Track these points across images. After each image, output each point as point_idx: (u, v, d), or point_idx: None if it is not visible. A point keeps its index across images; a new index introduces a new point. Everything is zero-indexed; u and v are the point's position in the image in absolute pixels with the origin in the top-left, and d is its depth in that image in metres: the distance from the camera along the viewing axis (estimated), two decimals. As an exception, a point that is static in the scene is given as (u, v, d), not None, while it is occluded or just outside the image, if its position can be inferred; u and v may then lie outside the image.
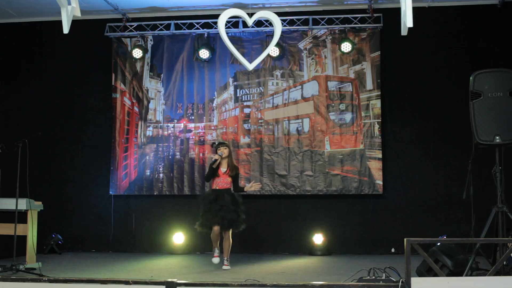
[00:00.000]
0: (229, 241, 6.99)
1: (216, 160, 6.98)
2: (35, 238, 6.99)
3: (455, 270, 5.43)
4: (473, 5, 8.96)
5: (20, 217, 6.79)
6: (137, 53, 9.31)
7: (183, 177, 9.22)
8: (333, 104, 9.00)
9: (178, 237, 8.93)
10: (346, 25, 8.97)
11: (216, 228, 6.96)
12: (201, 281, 5.17)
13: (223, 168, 7.05)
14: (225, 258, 6.99)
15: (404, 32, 5.77)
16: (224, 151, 7.03)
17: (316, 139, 8.97)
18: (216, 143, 7.26)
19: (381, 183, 8.77)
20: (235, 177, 7.12)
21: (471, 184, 5.74)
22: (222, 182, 7.05)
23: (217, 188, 7.05)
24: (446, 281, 4.69)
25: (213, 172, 7.03)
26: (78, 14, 6.35)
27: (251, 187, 7.19)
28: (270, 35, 8.93)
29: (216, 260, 6.92)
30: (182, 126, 9.37)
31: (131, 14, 9.52)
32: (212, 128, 9.31)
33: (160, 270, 6.88)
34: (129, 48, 9.45)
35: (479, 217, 5.86)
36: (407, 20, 5.49)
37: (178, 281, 4.75)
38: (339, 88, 9.03)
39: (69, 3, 6.31)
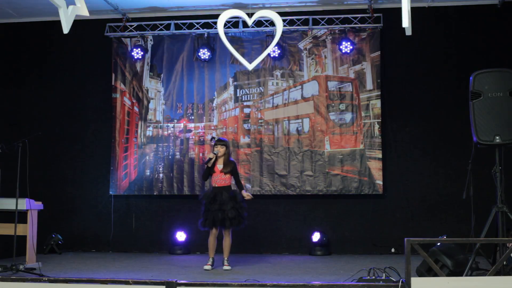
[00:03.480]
0: (229, 240, 7.00)
1: (210, 159, 7.01)
2: (35, 238, 6.99)
3: (455, 270, 5.43)
4: (473, 5, 8.95)
5: (20, 217, 6.79)
6: (137, 53, 9.32)
7: (183, 177, 9.22)
8: (333, 104, 9.00)
9: (178, 237, 8.93)
10: (346, 25, 8.97)
11: (214, 231, 6.97)
12: (201, 281, 5.18)
13: (219, 165, 7.09)
14: (225, 259, 7.00)
15: (408, 32, 5.77)
16: (220, 149, 7.05)
17: (316, 139, 8.97)
18: (216, 138, 7.29)
19: (381, 183, 8.77)
20: (233, 173, 7.13)
21: (471, 184, 5.74)
22: (220, 179, 7.06)
23: (216, 185, 7.07)
24: (446, 281, 4.70)
25: (209, 171, 7.06)
26: (85, 13, 6.29)
27: (246, 196, 7.15)
28: (270, 35, 8.95)
29: (207, 267, 6.92)
30: (182, 126, 9.37)
31: (131, 14, 9.52)
32: (212, 128, 9.31)
33: (160, 270, 6.88)
34: (129, 48, 9.45)
35: (479, 217, 5.87)
36: (403, 21, 5.49)
37: (178, 281, 4.76)
38: (339, 88, 9.03)
39: (72, 3, 6.29)
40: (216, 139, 7.26)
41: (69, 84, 9.70)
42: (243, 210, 7.05)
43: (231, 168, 7.09)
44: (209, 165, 7.02)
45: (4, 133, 9.15)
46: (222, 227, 6.97)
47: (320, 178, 8.91)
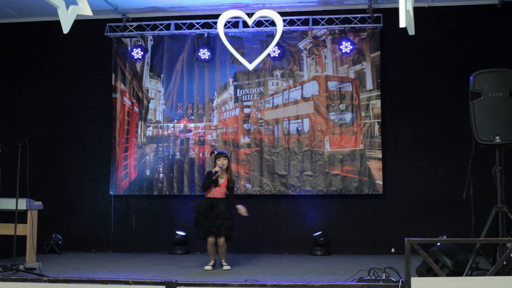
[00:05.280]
0: (225, 246, 7.00)
1: (216, 172, 6.95)
2: (35, 238, 6.99)
3: (455, 270, 5.43)
4: (473, 5, 8.95)
5: (20, 217, 6.79)
6: (137, 53, 9.32)
7: (183, 177, 9.22)
8: (333, 104, 9.00)
9: (178, 237, 8.92)
10: (346, 25, 8.97)
11: (211, 240, 6.97)
12: (201, 281, 5.18)
13: (221, 179, 7.05)
14: (223, 260, 7.01)
15: (411, 32, 5.76)
16: (224, 162, 7.01)
17: (316, 139, 8.97)
18: (216, 153, 7.16)
19: (381, 183, 8.77)
20: (230, 190, 7.14)
21: (471, 184, 5.74)
22: (218, 192, 7.04)
23: (212, 196, 7.03)
24: (446, 281, 4.70)
25: (212, 183, 7.01)
26: (88, 13, 6.25)
27: (240, 210, 7.05)
28: (270, 35, 8.95)
29: (208, 268, 6.93)
30: (182, 126, 9.37)
31: (131, 14, 9.52)
32: (212, 128, 9.31)
33: (160, 270, 6.89)
34: (129, 48, 9.45)
35: (479, 217, 5.87)
36: (400, 21, 5.48)
37: (178, 281, 4.76)
38: (339, 88, 9.03)
39: (74, 3, 6.27)
40: (216, 153, 7.16)
41: (69, 84, 9.70)
42: (233, 223, 7.07)
43: (233, 185, 7.13)
44: (214, 178, 6.97)
45: (4, 133, 9.15)
46: (217, 235, 6.92)
47: (320, 178, 8.91)
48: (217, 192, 7.04)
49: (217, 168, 6.98)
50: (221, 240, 6.94)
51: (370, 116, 8.89)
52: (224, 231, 6.91)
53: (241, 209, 7.02)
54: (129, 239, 9.27)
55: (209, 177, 7.02)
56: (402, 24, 5.45)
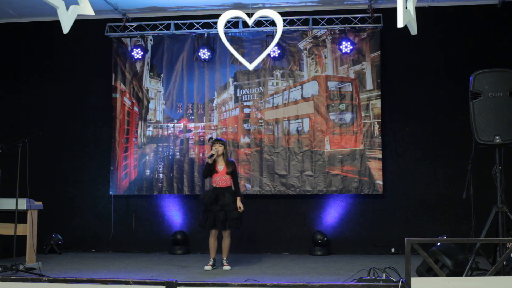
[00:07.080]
0: (228, 240, 7.01)
1: (212, 155, 7.00)
2: (35, 238, 7.00)
3: (455, 270, 5.44)
4: (473, 5, 8.96)
5: (20, 217, 6.80)
6: (137, 53, 9.32)
7: (183, 177, 9.22)
8: (333, 104, 9.00)
9: (178, 237, 8.92)
10: (346, 25, 8.97)
11: (214, 232, 6.98)
12: (201, 281, 5.18)
13: (220, 166, 7.08)
14: (224, 258, 7.01)
15: (413, 31, 5.75)
16: (219, 148, 7.05)
17: (316, 139, 8.97)
18: (214, 139, 7.29)
19: (381, 183, 8.77)
20: (233, 174, 7.12)
21: (471, 184, 5.75)
22: (221, 180, 7.05)
23: (217, 186, 7.06)
24: (446, 281, 4.70)
25: (209, 169, 7.05)
26: (90, 13, 6.23)
27: (239, 207, 7.06)
28: (270, 35, 8.95)
29: (208, 267, 6.92)
30: (182, 126, 9.37)
31: (131, 14, 9.52)
32: (212, 128, 9.31)
33: (160, 270, 6.89)
34: (129, 48, 9.45)
35: (479, 217, 5.87)
36: (398, 21, 5.48)
37: (178, 281, 4.76)
38: (339, 88, 9.03)
39: (75, 3, 6.26)
40: (213, 139, 7.28)
41: (69, 84, 9.70)
42: (242, 211, 7.07)
43: (232, 168, 7.11)
44: (210, 162, 7.01)
45: (4, 133, 9.15)
46: (222, 228, 6.97)
47: (320, 178, 8.91)
48: (221, 181, 7.05)
49: (213, 151, 7.01)
50: (226, 233, 6.97)
51: (370, 116, 8.89)
52: (229, 224, 6.93)
53: (240, 206, 7.04)
54: (129, 239, 9.27)
55: (207, 165, 7.06)
56: (400, 24, 5.46)
